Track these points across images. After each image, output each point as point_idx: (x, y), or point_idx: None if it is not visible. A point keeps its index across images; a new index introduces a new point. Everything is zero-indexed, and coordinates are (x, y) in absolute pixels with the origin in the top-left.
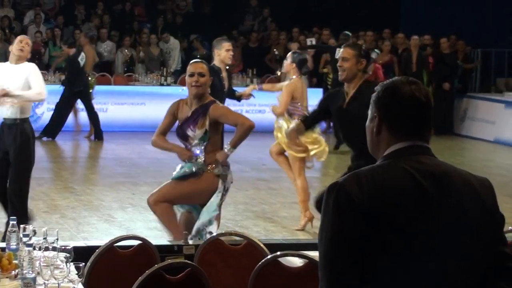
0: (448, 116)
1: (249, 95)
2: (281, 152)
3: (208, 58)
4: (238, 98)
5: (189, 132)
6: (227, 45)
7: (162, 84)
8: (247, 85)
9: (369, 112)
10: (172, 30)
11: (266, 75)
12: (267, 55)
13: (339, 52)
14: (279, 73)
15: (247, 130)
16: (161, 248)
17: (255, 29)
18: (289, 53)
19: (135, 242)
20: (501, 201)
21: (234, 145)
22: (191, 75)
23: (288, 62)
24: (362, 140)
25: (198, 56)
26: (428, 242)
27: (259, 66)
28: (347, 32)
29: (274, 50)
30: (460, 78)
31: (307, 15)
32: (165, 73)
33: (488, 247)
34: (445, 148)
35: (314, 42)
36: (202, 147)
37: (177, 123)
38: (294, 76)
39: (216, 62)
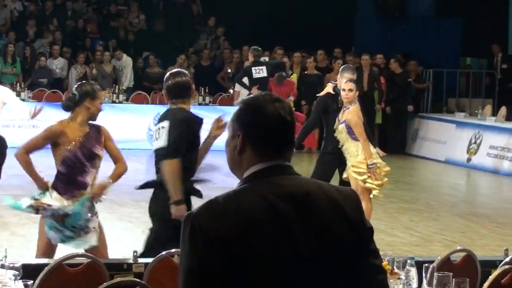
0: (400, 137)
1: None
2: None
3: (162, 76)
4: None
5: (98, 151)
6: (347, 76)
7: (114, 102)
8: (199, 104)
9: (229, 129)
10: (124, 48)
11: (219, 93)
12: (219, 73)
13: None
14: (231, 91)
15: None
16: (110, 266)
17: (207, 47)
18: (350, 83)
19: (84, 260)
20: (451, 220)
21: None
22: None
23: (354, 92)
24: None
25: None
26: (292, 269)
27: (211, 84)
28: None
29: (228, 68)
30: (412, 98)
31: (260, 34)
32: (117, 91)
33: (357, 262)
34: (396, 168)
35: (267, 61)
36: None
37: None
38: (354, 103)
39: (338, 86)
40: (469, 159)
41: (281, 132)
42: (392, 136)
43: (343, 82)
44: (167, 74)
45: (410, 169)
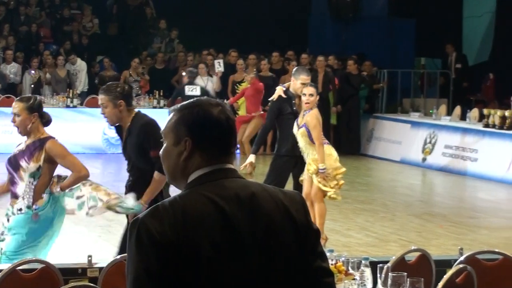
0: (355, 137)
1: None
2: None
3: (117, 79)
4: None
5: (23, 163)
6: (304, 78)
7: (68, 106)
8: (154, 107)
9: (168, 136)
10: (78, 52)
11: None
12: (174, 76)
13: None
14: None
15: (81, 178)
16: (64, 271)
17: (162, 50)
18: (311, 88)
19: (38, 266)
20: (407, 220)
21: (63, 189)
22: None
23: (315, 97)
24: None
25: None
26: (239, 271)
27: (166, 87)
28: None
29: (182, 71)
30: (367, 99)
31: (214, 36)
32: (71, 95)
33: (304, 264)
34: (351, 168)
35: (221, 64)
36: (32, 185)
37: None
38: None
39: (291, 88)
40: (424, 159)
41: (228, 135)
42: (347, 137)
43: (304, 87)
44: (114, 83)
45: (365, 170)
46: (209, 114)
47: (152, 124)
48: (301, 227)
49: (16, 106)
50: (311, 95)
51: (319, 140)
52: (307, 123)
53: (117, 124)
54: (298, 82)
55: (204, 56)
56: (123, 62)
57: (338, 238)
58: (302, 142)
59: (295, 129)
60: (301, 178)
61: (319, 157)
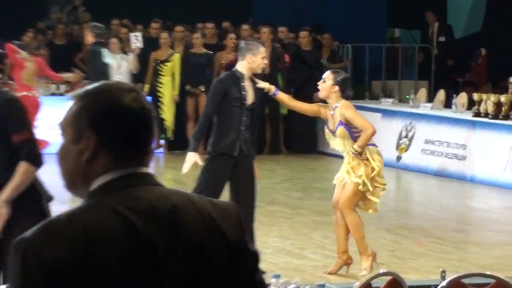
0: (310, 131)
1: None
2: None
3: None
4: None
5: None
6: (263, 51)
7: None
8: (52, 93)
9: (66, 131)
10: None
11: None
12: (79, 53)
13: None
14: None
15: None
16: None
17: (63, 21)
18: (328, 73)
19: None
20: (377, 236)
21: None
22: None
23: (328, 85)
24: None
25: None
26: None
27: (68, 68)
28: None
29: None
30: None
31: (131, 4)
32: None
33: None
34: (306, 170)
35: (140, 38)
36: None
37: None
38: (339, 101)
39: (241, 67)
40: (399, 158)
41: (143, 130)
42: (301, 131)
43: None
44: None
45: (323, 172)
46: (118, 102)
47: (17, 101)
48: (234, 248)
49: None
50: (323, 80)
51: (366, 125)
52: (343, 119)
53: None
54: (258, 58)
55: (117, 28)
56: (12, 36)
57: (288, 260)
58: (342, 144)
59: (328, 136)
60: (334, 182)
61: (362, 140)
